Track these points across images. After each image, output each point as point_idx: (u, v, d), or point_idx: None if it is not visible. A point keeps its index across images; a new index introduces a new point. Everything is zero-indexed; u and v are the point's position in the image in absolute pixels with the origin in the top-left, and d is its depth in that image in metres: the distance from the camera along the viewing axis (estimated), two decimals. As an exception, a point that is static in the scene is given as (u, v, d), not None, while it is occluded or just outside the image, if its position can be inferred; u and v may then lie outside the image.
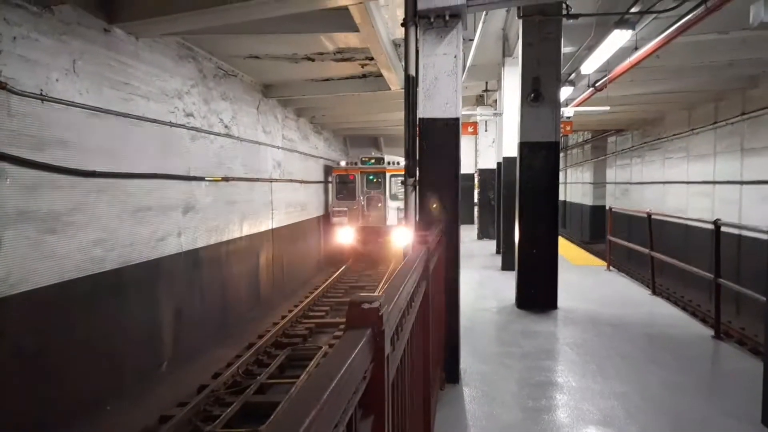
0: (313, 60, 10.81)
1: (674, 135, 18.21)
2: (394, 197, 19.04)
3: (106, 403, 7.05)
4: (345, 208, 19.05)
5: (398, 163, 18.78)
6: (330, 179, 19.82)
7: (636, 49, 8.89)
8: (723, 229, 6.50)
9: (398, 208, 18.46)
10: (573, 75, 11.80)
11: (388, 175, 19.34)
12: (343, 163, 19.80)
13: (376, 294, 1.40)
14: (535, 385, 4.89)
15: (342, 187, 19.46)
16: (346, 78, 12.34)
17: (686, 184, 17.36)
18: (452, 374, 4.93)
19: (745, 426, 4.07)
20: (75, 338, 6.55)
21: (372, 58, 10.07)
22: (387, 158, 19.68)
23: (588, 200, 28.77)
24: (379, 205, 19.33)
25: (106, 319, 7.13)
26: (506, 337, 6.45)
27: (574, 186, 32.55)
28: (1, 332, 5.53)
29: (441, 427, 4.02)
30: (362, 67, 11.43)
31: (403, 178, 5.36)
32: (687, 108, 17.09)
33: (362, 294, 1.62)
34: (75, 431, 6.37)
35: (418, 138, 4.92)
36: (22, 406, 5.78)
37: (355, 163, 19.57)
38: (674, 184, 18.33)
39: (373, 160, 19.63)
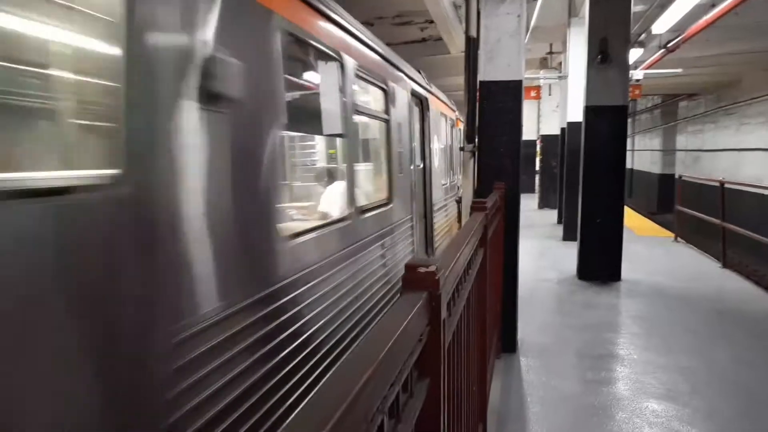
0: (372, 24, 10.70)
1: (752, 99, 17.10)
2: None
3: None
4: None
5: None
6: None
7: (713, 6, 8.35)
8: (805, 198, 6.11)
9: None
10: (643, 35, 11.22)
11: None
12: None
13: (432, 257, 1.38)
14: (595, 357, 4.79)
15: None
16: (405, 43, 12.18)
17: (764, 152, 16.35)
18: (509, 343, 4.90)
19: (822, 406, 3.86)
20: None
21: (432, 21, 9.88)
22: None
23: (656, 168, 27.55)
24: None
25: None
26: (566, 308, 6.33)
27: (642, 153, 31.23)
28: None
29: (497, 394, 4.01)
30: (421, 30, 11.25)
31: None
32: (767, 69, 15.99)
33: (419, 257, 1.60)
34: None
35: (478, 102, 4.81)
36: None
37: None
38: (751, 151, 17.30)
39: None
